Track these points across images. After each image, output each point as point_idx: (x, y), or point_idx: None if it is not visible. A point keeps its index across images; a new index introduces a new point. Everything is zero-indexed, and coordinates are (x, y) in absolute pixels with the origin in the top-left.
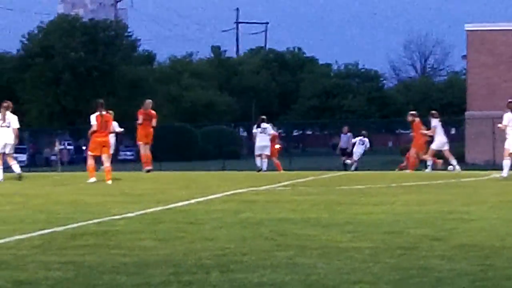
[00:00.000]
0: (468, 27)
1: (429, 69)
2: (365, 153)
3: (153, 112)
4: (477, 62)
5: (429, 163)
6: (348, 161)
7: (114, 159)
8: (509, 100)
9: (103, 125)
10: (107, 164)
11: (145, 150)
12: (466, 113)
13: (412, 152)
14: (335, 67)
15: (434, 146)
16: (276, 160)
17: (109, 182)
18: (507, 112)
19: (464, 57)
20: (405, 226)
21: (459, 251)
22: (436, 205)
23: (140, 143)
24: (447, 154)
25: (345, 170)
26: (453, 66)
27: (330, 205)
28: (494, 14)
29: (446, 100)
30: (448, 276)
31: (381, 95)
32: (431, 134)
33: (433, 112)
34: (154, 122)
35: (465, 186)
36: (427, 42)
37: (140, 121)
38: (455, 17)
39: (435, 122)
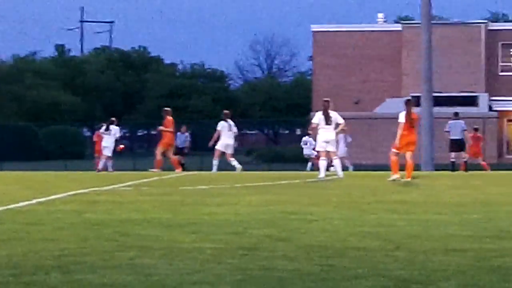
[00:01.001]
0: (314, 28)
1: (275, 70)
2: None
3: None
4: (322, 63)
5: (235, 163)
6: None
7: None
8: (324, 99)
9: None
10: None
11: None
12: (312, 113)
13: (159, 150)
14: (180, 67)
15: (218, 146)
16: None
17: None
18: (318, 111)
19: (310, 58)
20: (248, 227)
21: (301, 252)
22: (279, 205)
23: None
24: (228, 156)
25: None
26: (299, 67)
27: (173, 206)
28: (339, 15)
29: (292, 100)
30: (290, 277)
31: (227, 95)
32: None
33: (225, 112)
34: None
35: (309, 186)
36: (273, 42)
37: None
38: (301, 18)
39: (222, 123)
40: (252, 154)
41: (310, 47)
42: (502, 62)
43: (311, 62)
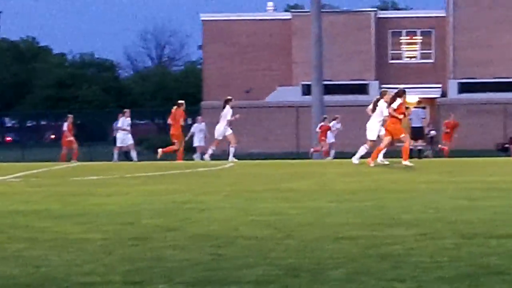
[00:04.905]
0: (204, 17)
1: (166, 59)
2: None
3: None
4: (213, 52)
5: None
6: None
7: None
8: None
9: None
10: None
11: None
12: (202, 103)
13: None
14: (70, 56)
15: None
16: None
17: None
18: None
19: (200, 47)
20: (139, 217)
21: (192, 241)
22: (170, 195)
23: None
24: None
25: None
26: (189, 56)
27: (62, 197)
28: (229, 4)
29: (183, 90)
30: (180, 266)
31: (117, 85)
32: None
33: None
34: None
35: (200, 175)
36: (163, 31)
37: None
38: (191, 6)
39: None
40: (143, 144)
41: (200, 36)
42: (392, 49)
43: (201, 51)
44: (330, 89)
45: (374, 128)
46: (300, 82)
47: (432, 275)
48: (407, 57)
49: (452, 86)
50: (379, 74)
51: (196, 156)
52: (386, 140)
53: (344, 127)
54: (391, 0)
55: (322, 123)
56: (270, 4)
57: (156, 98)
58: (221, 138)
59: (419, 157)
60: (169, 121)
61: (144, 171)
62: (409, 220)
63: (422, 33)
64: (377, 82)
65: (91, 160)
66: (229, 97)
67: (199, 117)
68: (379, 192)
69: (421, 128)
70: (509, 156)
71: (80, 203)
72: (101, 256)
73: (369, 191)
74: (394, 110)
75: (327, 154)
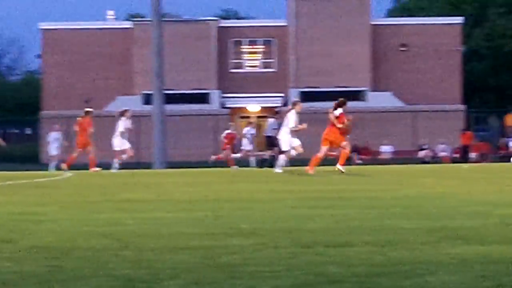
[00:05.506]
0: (43, 26)
1: (4, 68)
2: None
3: None
4: (52, 61)
5: None
6: None
7: None
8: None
9: None
10: None
11: None
12: (42, 112)
13: None
14: None
15: None
16: None
17: None
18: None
19: (39, 56)
20: None
21: (27, 253)
22: (5, 206)
23: None
24: None
25: None
26: (28, 65)
27: None
28: (69, 13)
29: (21, 100)
30: (14, 278)
31: None
32: None
33: None
34: None
35: (38, 186)
36: (1, 40)
37: None
38: (30, 15)
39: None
40: None
41: (40, 45)
42: (233, 59)
43: (40, 60)
44: (171, 98)
45: (285, 139)
46: (141, 91)
47: (268, 284)
48: (249, 66)
49: (294, 95)
50: (221, 83)
51: (52, 166)
52: (324, 149)
53: (185, 136)
54: (233, 9)
55: (228, 131)
56: (110, 13)
57: None
58: (120, 149)
59: (261, 166)
60: (76, 128)
61: None
62: (248, 230)
63: (264, 42)
64: (218, 91)
65: None
66: (125, 108)
67: (56, 126)
68: (218, 201)
69: (272, 137)
70: (350, 164)
71: None
72: None
73: (208, 201)
74: (336, 118)
75: (232, 163)
